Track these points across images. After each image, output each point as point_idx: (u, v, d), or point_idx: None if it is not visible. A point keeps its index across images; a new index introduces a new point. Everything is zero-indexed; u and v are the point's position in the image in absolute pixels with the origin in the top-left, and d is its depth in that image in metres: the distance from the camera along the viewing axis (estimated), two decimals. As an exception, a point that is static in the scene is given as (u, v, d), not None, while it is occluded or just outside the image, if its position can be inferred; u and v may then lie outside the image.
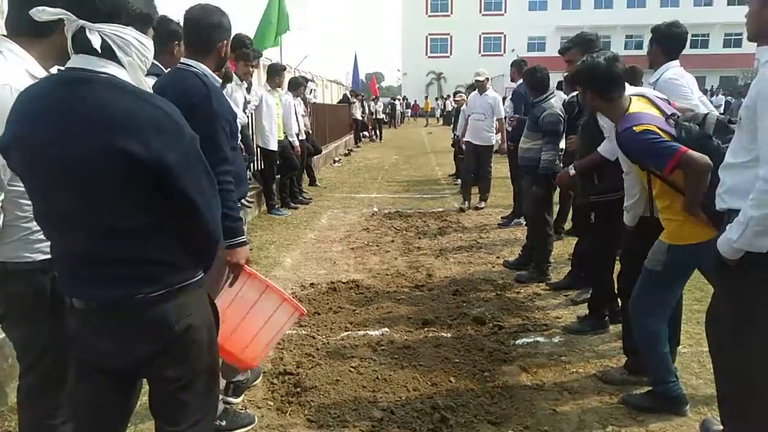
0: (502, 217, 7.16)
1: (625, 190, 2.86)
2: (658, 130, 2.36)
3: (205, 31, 2.34)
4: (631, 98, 2.60)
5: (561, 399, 2.89)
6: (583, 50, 3.72)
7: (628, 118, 2.47)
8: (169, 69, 3.10)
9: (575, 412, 2.75)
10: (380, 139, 21.21)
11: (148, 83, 1.67)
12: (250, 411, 2.80)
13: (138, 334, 1.48)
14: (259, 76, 8.46)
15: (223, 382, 2.69)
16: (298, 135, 8.04)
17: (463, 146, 8.22)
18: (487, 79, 7.79)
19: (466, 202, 7.89)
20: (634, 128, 2.37)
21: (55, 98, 1.37)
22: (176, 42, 3.05)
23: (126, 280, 1.44)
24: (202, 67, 2.33)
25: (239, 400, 2.89)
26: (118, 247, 1.42)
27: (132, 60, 1.44)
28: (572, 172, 3.57)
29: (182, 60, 2.41)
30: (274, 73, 7.41)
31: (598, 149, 3.36)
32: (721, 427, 2.38)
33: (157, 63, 3.02)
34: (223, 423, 2.61)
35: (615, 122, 2.60)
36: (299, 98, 8.50)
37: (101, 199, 1.38)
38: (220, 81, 2.56)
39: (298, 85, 7.72)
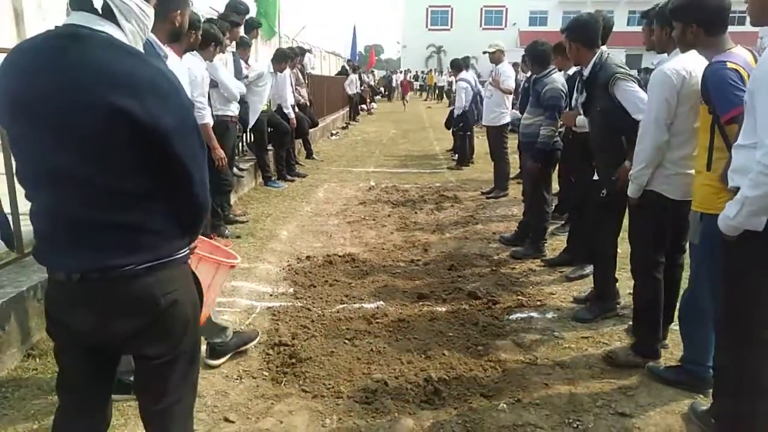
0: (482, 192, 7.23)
1: (638, 155, 2.75)
2: (744, 77, 2.18)
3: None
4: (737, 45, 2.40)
5: (553, 374, 2.92)
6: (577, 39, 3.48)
7: (728, 54, 2.30)
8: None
9: (567, 387, 2.79)
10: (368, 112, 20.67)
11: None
12: (245, 381, 2.83)
13: (122, 308, 1.43)
14: (256, 51, 8.29)
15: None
16: (293, 107, 7.93)
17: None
18: (501, 51, 7.23)
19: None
20: (728, 63, 2.22)
21: (50, 52, 1.32)
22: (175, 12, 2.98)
23: (111, 248, 1.38)
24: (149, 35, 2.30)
25: (220, 362, 2.92)
26: (106, 210, 1.37)
27: (132, 26, 1.41)
28: (628, 164, 3.09)
29: None
30: (281, 58, 7.30)
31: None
32: (706, 407, 2.42)
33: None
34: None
35: (711, 56, 2.36)
36: (296, 69, 8.36)
37: (92, 156, 1.33)
38: (166, 52, 2.49)
39: (283, 58, 7.49)
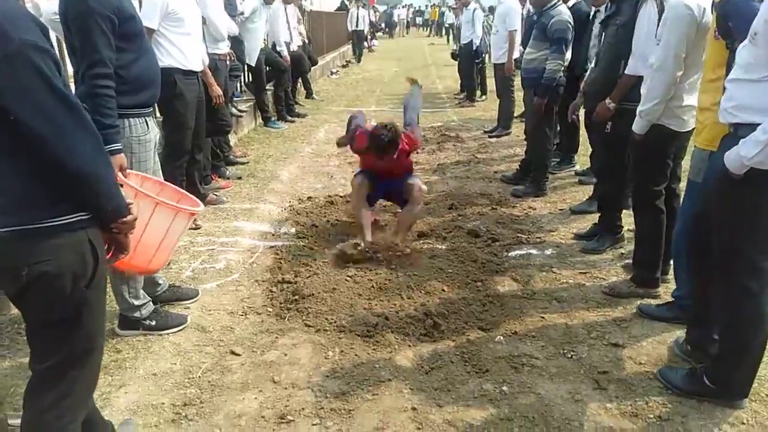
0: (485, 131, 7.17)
1: (648, 89, 2.72)
2: None
3: None
4: None
5: (549, 307, 2.99)
6: None
7: None
8: None
9: (562, 320, 2.87)
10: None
11: None
12: (250, 317, 2.92)
13: None
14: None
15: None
16: (288, 44, 7.72)
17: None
18: None
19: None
20: None
21: None
22: None
23: None
24: None
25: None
26: None
27: None
28: (612, 105, 3.24)
29: None
30: None
31: (627, 71, 3.14)
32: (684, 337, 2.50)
33: None
34: (153, 323, 2.70)
35: None
36: (293, 5, 8.10)
37: None
38: None
39: None
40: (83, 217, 1.44)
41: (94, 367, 1.63)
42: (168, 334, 2.72)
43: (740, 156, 1.87)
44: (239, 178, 5.17)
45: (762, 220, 1.98)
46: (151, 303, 2.76)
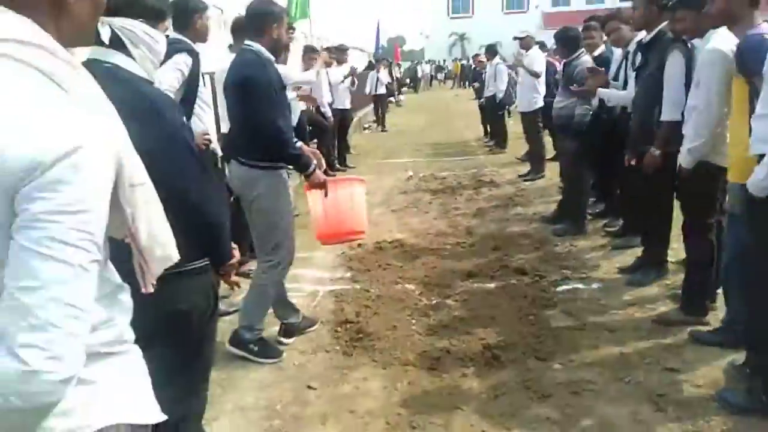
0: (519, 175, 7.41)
1: (695, 129, 2.90)
2: None
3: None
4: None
5: (602, 337, 3.14)
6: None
7: (760, 27, 2.50)
8: (197, 42, 3.34)
9: (616, 348, 3.00)
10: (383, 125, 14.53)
11: (180, 59, 1.96)
12: (319, 354, 3.14)
13: None
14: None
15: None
16: (330, 104, 8.18)
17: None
18: (530, 37, 7.62)
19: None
20: (765, 36, 2.41)
21: None
22: (198, 15, 3.27)
23: None
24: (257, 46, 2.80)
25: (290, 341, 3.24)
26: None
27: (141, 53, 1.57)
28: (657, 152, 3.37)
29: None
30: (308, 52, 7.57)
31: (664, 117, 3.33)
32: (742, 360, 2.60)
33: (184, 38, 3.23)
34: (256, 348, 3.01)
35: (742, 33, 2.55)
36: (343, 65, 8.62)
37: None
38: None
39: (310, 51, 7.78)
40: (207, 262, 1.72)
41: (206, 394, 1.88)
42: (263, 363, 3.01)
43: (758, 179, 2.09)
44: (291, 229, 5.49)
45: None
46: (262, 332, 3.10)
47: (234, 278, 1.92)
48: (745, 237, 2.46)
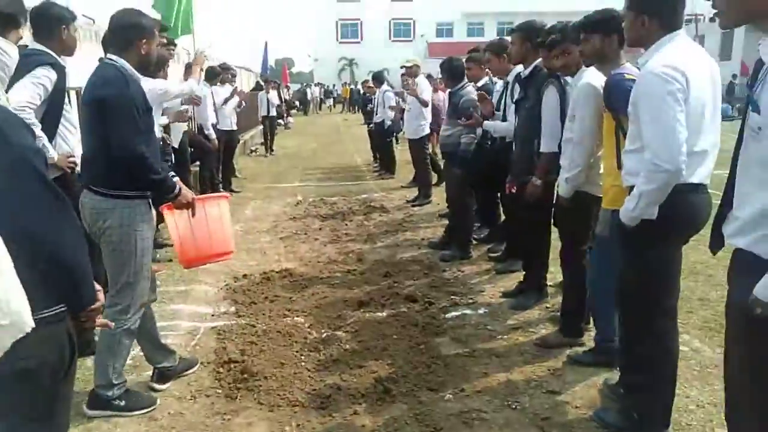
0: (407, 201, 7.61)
1: (571, 160, 3.06)
2: None
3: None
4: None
5: (490, 363, 3.19)
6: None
7: (623, 68, 2.69)
8: (63, 56, 3.08)
9: (503, 374, 3.06)
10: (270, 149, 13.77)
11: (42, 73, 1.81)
12: (199, 400, 2.87)
13: None
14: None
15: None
16: (215, 126, 7.84)
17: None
18: (417, 66, 7.82)
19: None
20: (626, 75, 2.57)
21: None
22: (63, 27, 3.06)
23: None
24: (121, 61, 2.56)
25: (165, 386, 2.95)
26: None
27: None
28: (538, 182, 3.55)
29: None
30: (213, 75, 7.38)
31: (543, 149, 3.53)
32: (616, 379, 2.76)
33: (47, 50, 3.00)
34: (122, 403, 2.69)
35: (610, 70, 2.73)
36: (227, 85, 8.31)
37: None
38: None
39: (214, 75, 7.58)
40: (63, 308, 1.46)
41: None
42: (133, 415, 2.68)
43: (628, 210, 2.26)
44: (170, 260, 5.09)
45: (654, 264, 2.34)
46: (125, 384, 2.74)
47: (100, 321, 1.66)
48: (616, 260, 2.63)
